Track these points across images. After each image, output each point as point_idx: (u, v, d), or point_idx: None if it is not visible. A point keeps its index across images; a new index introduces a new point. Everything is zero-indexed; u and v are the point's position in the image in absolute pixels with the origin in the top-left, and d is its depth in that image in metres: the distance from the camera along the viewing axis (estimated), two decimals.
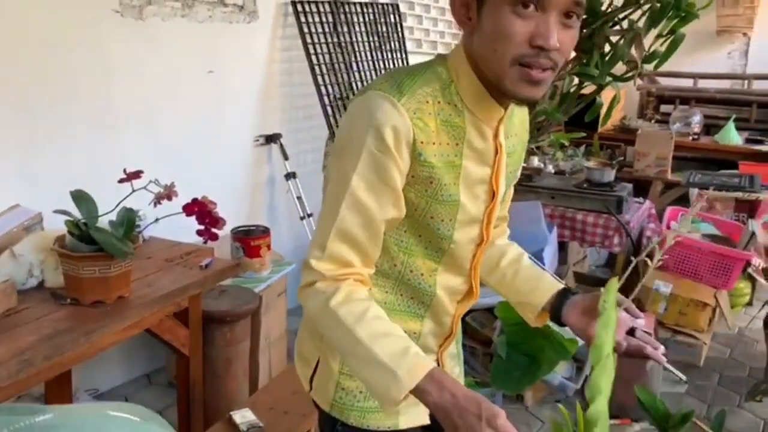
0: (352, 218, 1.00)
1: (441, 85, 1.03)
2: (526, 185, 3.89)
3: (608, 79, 2.41)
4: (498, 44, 0.96)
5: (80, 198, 1.91)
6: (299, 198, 3.68)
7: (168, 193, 1.96)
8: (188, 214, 2.06)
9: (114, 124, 2.82)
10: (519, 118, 1.20)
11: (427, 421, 1.20)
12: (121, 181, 1.86)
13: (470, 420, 0.90)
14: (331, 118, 3.69)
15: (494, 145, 1.09)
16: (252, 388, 2.69)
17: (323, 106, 3.65)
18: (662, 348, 1.18)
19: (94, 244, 1.90)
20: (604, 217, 3.69)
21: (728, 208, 4.18)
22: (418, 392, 0.94)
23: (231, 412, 1.97)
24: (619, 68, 2.43)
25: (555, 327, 2.82)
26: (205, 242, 2.10)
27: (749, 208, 4.12)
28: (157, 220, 2.07)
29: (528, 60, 0.95)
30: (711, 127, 6.40)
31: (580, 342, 2.83)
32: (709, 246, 3.47)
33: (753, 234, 3.50)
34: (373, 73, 4.07)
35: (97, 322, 1.88)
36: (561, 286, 1.25)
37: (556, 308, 1.21)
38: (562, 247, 4.01)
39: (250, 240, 2.75)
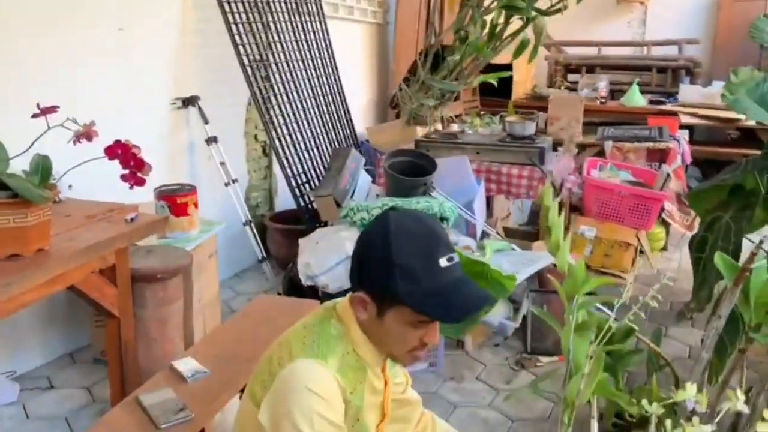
0: None
1: (343, 341, 1.26)
2: (452, 143, 3.91)
3: (534, 13, 2.44)
4: (395, 343, 1.25)
5: None
6: (222, 164, 3.55)
7: (87, 132, 1.82)
8: (110, 158, 1.93)
9: (15, 83, 2.60)
10: None
11: None
12: (34, 116, 1.70)
13: None
14: (251, 78, 3.58)
15: (383, 378, 1.35)
16: None
17: (243, 66, 3.53)
18: None
19: (7, 190, 1.74)
20: (528, 169, 3.77)
21: (641, 158, 4.36)
22: None
23: (172, 362, 1.85)
24: (545, 3, 2.46)
25: (492, 266, 2.85)
26: (131, 187, 1.97)
27: (660, 157, 4.31)
28: (89, 161, 1.91)
29: (418, 349, 1.26)
30: (615, 92, 6.67)
31: (518, 279, 2.88)
32: (629, 189, 3.60)
33: (668, 175, 3.67)
34: (291, 34, 3.97)
35: (15, 274, 1.72)
36: None
37: None
38: (488, 202, 4.07)
39: (176, 197, 2.61)
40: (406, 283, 1.19)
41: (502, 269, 2.87)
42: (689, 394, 1.04)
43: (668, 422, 1.05)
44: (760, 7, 6.69)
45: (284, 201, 4.26)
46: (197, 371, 1.80)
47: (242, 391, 1.83)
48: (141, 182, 1.95)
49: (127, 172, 1.93)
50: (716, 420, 1.13)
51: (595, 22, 7.39)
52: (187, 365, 1.82)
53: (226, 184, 3.54)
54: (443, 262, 1.21)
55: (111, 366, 2.25)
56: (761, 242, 1.67)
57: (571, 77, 7.16)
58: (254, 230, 3.68)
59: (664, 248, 4.46)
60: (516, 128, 3.87)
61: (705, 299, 2.40)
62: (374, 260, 1.23)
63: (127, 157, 1.91)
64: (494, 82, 4.30)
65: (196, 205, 2.69)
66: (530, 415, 2.54)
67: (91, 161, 1.93)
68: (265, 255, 3.77)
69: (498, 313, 2.93)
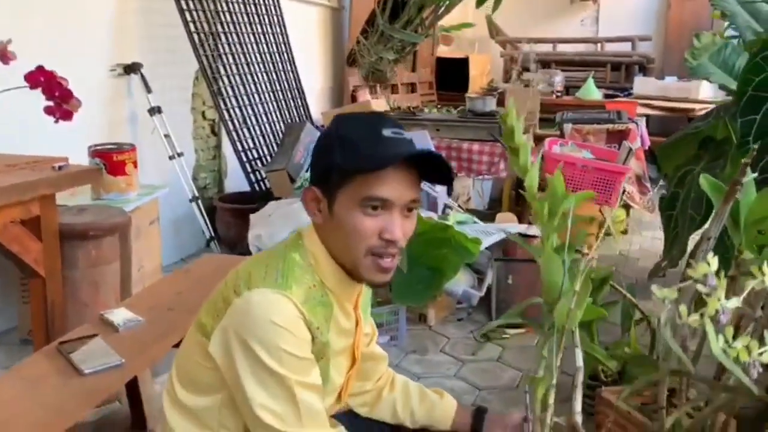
0: (310, 396, 1.08)
1: (310, 271, 1.12)
2: (411, 119, 3.79)
3: None
4: (351, 239, 1.09)
5: None
6: (167, 136, 3.32)
7: (2, 51, 1.60)
8: (32, 86, 1.71)
9: None
10: None
11: None
12: None
13: None
14: (199, 49, 3.38)
15: (355, 317, 1.21)
16: None
17: (189, 35, 3.33)
18: None
19: None
20: (489, 145, 3.66)
21: (600, 140, 4.30)
22: None
23: (102, 312, 1.63)
24: None
25: (457, 228, 2.70)
26: (56, 121, 1.75)
27: (619, 139, 4.26)
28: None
29: (379, 251, 1.09)
30: (570, 87, 6.69)
31: (483, 245, 2.73)
32: (592, 162, 3.52)
33: (630, 149, 3.60)
34: (242, 6, 3.79)
35: None
36: (456, 406, 1.42)
37: (475, 429, 1.39)
38: None
39: (113, 154, 2.38)
40: (346, 152, 1.08)
41: (465, 231, 2.74)
42: (713, 267, 0.90)
43: (682, 308, 0.91)
44: (709, 5, 6.85)
45: (234, 184, 4.04)
46: (130, 320, 1.59)
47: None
48: (67, 115, 1.74)
49: (51, 104, 1.72)
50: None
51: (549, 20, 7.44)
52: (119, 315, 1.61)
53: (171, 158, 3.32)
54: (387, 132, 1.09)
55: (36, 333, 2.01)
56: (740, 183, 1.56)
57: (526, 75, 7.17)
58: (201, 207, 3.45)
59: (625, 231, 4.40)
60: (477, 104, 3.77)
61: (678, 255, 2.30)
62: (319, 148, 1.16)
63: (51, 86, 1.70)
64: (457, 32, 4.16)
65: (135, 165, 2.47)
66: (497, 384, 2.38)
67: (9, 93, 1.72)
68: (213, 234, 3.55)
69: (462, 282, 2.78)
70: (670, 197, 2.41)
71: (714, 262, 0.92)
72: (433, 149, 3.49)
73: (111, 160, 2.38)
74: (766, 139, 1.97)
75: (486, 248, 2.88)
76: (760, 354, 0.86)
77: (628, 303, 2.12)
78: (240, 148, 3.47)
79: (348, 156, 1.07)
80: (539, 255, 1.43)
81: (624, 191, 4.01)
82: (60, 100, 1.71)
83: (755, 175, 1.38)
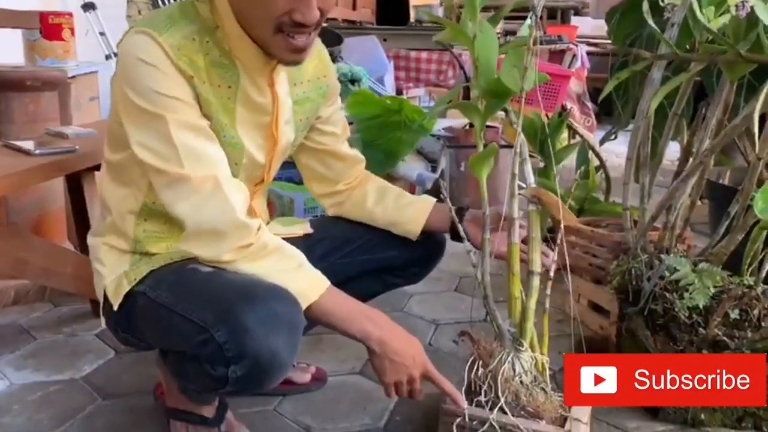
0: (188, 137, 0.99)
1: (207, 27, 1.02)
2: (357, 28, 3.73)
3: None
4: (259, 11, 0.96)
5: None
6: (102, 34, 3.16)
7: None
8: None
9: None
10: (313, 65, 1.19)
11: None
12: None
13: None
14: None
15: (271, 94, 1.10)
16: None
17: None
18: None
19: None
20: (437, 53, 3.65)
21: (543, 60, 4.38)
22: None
23: (48, 127, 1.52)
24: None
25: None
26: None
27: (561, 59, 4.34)
28: None
29: (290, 30, 0.97)
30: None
31: (438, 129, 2.73)
32: (539, 65, 3.57)
33: (574, 56, 3.67)
34: None
35: None
36: (434, 203, 1.36)
37: (454, 227, 1.28)
38: None
39: (48, 16, 2.23)
40: None
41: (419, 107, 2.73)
42: None
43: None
44: None
45: None
46: (80, 131, 1.49)
47: None
48: None
49: None
50: None
51: None
52: (67, 128, 1.51)
53: (107, 57, 3.16)
54: None
55: None
56: None
57: None
58: None
59: None
60: (422, 13, 3.74)
61: (628, 116, 2.35)
62: None
63: None
64: None
65: (72, 32, 2.31)
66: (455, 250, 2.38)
67: None
68: None
69: (416, 167, 2.78)
70: (620, 66, 2.45)
71: None
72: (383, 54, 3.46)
73: (46, 22, 2.21)
74: None
75: (439, 137, 2.88)
76: None
77: (585, 146, 2.15)
78: None
79: None
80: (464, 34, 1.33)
81: (564, 109, 4.11)
82: None
83: None
